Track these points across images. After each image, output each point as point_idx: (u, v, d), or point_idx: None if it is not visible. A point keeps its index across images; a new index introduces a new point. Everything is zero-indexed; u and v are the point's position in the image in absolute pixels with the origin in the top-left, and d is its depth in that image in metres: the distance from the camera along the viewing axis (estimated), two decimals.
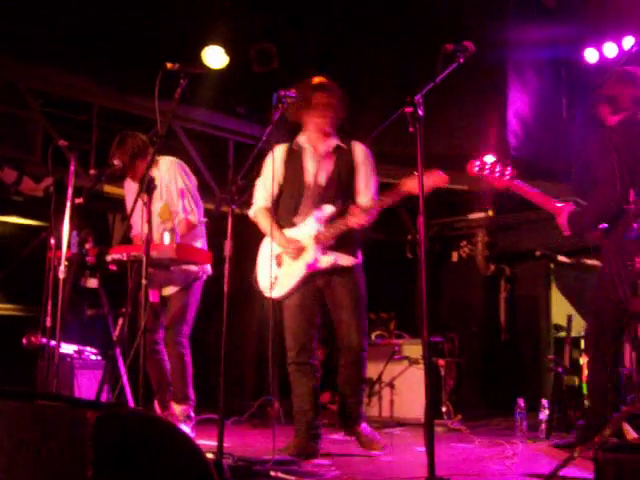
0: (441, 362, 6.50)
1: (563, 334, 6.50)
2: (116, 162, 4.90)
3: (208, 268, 5.11)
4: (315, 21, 7.27)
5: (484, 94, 6.94)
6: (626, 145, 4.17)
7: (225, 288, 3.63)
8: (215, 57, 6.47)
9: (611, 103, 4.41)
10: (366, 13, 7.17)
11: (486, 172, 4.37)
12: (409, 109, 3.27)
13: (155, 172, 4.93)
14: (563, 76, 7.48)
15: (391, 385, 6.55)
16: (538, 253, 6.99)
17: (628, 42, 6.94)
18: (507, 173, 4.35)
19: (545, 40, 7.13)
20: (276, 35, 7.12)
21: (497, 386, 7.58)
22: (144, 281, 3.79)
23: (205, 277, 5.12)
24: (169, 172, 5.04)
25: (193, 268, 5.01)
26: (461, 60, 3.45)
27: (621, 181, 4.03)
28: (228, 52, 6.44)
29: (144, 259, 3.78)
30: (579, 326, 6.64)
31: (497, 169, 4.35)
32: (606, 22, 7.06)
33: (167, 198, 5.02)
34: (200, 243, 5.12)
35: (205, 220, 5.19)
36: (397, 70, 7.03)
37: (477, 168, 4.41)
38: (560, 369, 6.07)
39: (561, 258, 6.77)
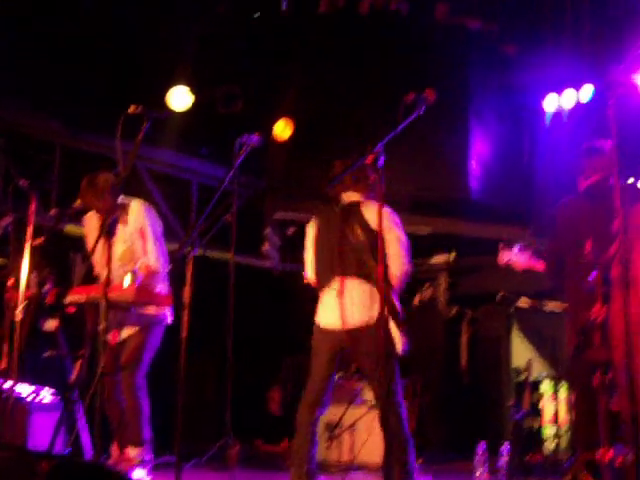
0: None
1: (523, 377, 6.55)
2: (78, 204, 4.86)
3: (168, 313, 5.06)
4: (282, 69, 7.34)
5: (447, 139, 7.05)
6: (592, 210, 4.39)
7: (183, 334, 3.61)
8: (180, 98, 6.49)
9: (582, 174, 4.75)
10: (331, 64, 7.25)
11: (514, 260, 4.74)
12: (369, 159, 3.31)
13: (124, 215, 4.91)
14: (524, 121, 7.63)
15: (351, 429, 6.51)
16: (499, 296, 7.04)
17: (587, 90, 7.12)
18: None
19: (506, 86, 7.28)
20: (242, 78, 7.18)
21: (459, 429, 7.58)
22: (103, 323, 3.76)
23: (165, 322, 5.05)
24: (138, 215, 4.97)
25: (152, 311, 4.95)
26: (422, 110, 3.51)
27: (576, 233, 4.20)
28: (193, 92, 6.48)
29: (103, 301, 3.75)
30: (539, 369, 6.72)
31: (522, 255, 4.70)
32: (566, 69, 7.23)
33: (132, 240, 4.96)
34: (161, 287, 5.07)
35: (169, 266, 5.14)
36: (359, 120, 7.09)
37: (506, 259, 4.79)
38: (519, 413, 6.09)
39: (522, 301, 6.83)
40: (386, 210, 4.30)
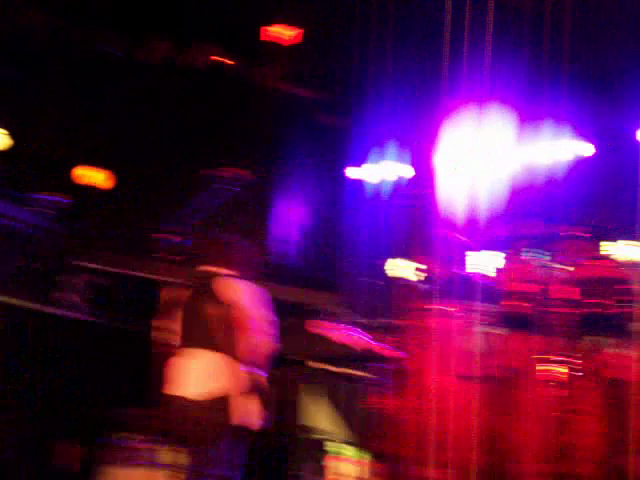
0: None
1: (313, 436, 6.69)
2: None
3: None
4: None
5: (261, 204, 7.20)
6: None
7: None
8: None
9: None
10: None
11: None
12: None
13: None
14: (339, 191, 7.87)
15: None
16: (293, 358, 7.17)
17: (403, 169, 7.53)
18: None
19: (318, 154, 7.53)
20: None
21: None
22: None
23: None
24: None
25: None
26: (237, 188, 3.59)
27: None
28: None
29: None
30: (330, 431, 6.88)
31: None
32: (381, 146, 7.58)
33: None
34: None
35: None
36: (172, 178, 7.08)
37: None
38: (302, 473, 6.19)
39: (312, 364, 7.01)
40: (243, 285, 4.41)
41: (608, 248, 7.48)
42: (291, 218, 7.47)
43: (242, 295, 4.39)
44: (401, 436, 3.81)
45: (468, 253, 7.67)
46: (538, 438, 3.58)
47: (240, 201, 5.96)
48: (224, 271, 4.54)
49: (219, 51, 7.44)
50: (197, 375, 4.43)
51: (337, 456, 6.55)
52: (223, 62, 7.35)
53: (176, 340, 4.64)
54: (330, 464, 6.74)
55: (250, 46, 7.47)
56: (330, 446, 6.78)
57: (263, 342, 4.46)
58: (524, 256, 7.71)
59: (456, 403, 3.98)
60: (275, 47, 7.37)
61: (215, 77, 7.23)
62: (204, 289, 4.50)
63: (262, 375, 4.49)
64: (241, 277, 4.26)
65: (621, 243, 7.47)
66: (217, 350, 4.40)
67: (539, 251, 7.51)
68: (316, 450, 6.74)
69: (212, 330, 4.41)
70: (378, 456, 4.07)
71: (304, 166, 7.61)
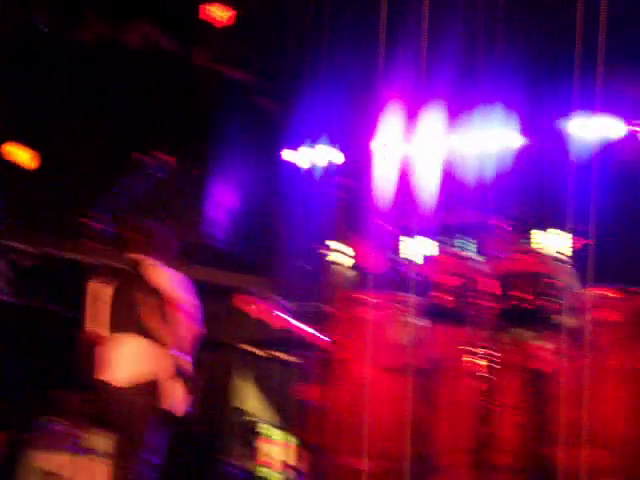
0: None
1: (249, 420, 6.72)
2: None
3: None
4: None
5: (194, 186, 7.13)
6: None
7: None
8: None
9: None
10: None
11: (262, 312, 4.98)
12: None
13: None
14: (274, 173, 7.84)
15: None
16: (225, 342, 7.19)
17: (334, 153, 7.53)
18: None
19: (254, 138, 7.49)
20: None
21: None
22: None
23: None
24: None
25: None
26: (161, 174, 3.56)
27: None
28: None
29: None
30: (262, 414, 6.91)
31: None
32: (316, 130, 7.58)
33: None
34: None
35: None
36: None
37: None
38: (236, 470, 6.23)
39: (247, 348, 7.03)
40: (170, 272, 4.51)
41: (538, 238, 7.65)
42: (225, 201, 7.43)
43: (169, 281, 4.48)
44: (326, 426, 3.84)
45: (401, 240, 7.76)
46: (461, 429, 3.65)
47: (169, 186, 5.92)
48: (150, 258, 4.58)
49: (154, 30, 7.32)
50: (126, 360, 4.50)
51: (269, 439, 6.61)
52: (158, 42, 7.24)
53: (104, 326, 4.66)
54: (261, 447, 6.79)
55: (186, 26, 7.36)
56: (262, 429, 6.83)
57: (189, 327, 4.54)
58: (452, 246, 7.85)
59: (382, 394, 4.03)
60: (211, 28, 7.29)
61: (150, 57, 7.11)
62: (132, 276, 4.54)
63: (188, 360, 4.56)
64: (166, 263, 4.32)
65: (553, 233, 7.64)
66: (145, 336, 4.47)
67: (469, 240, 7.63)
68: (248, 433, 6.77)
69: (140, 316, 4.47)
70: (304, 445, 4.10)
71: (239, 149, 7.57)
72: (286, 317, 5.10)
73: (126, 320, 4.51)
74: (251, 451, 6.70)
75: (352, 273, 7.67)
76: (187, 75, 7.20)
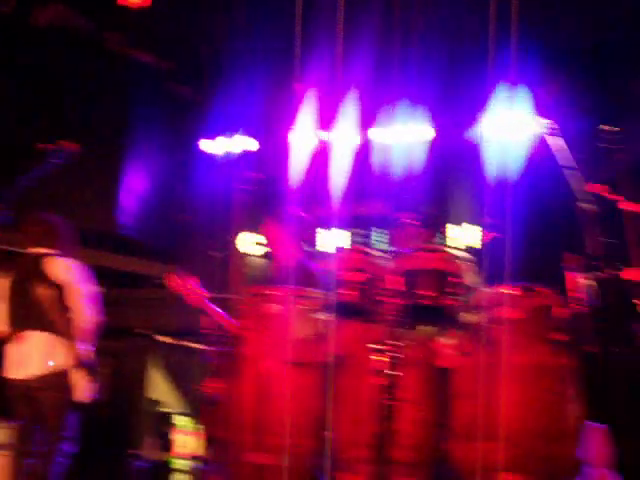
0: None
1: (161, 409, 6.66)
2: None
3: None
4: None
5: (105, 173, 6.99)
6: None
7: None
8: None
9: None
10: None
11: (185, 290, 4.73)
12: None
13: None
14: (185, 162, 7.77)
15: None
16: (138, 331, 7.12)
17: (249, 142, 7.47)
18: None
19: (168, 125, 7.38)
20: None
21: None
22: None
23: None
24: None
25: None
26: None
27: None
28: None
29: None
30: (175, 403, 6.85)
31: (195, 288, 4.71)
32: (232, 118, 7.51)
33: None
34: None
35: None
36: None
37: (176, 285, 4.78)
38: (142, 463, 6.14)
39: (161, 338, 6.96)
40: (70, 263, 4.52)
41: (450, 233, 7.76)
42: (137, 189, 7.32)
43: (70, 274, 4.48)
44: (231, 420, 3.81)
45: (317, 232, 7.78)
46: (363, 424, 3.66)
47: (76, 174, 5.80)
48: (50, 251, 4.51)
49: (67, 10, 7.11)
50: (33, 356, 4.49)
51: (182, 430, 6.55)
52: (70, 23, 7.04)
53: (3, 322, 4.59)
54: (176, 437, 6.73)
55: (100, 8, 7.18)
56: (176, 419, 6.77)
57: (90, 317, 4.56)
58: (366, 239, 7.90)
59: (286, 389, 4.01)
60: (126, 11, 7.13)
61: (60, 39, 6.92)
62: (32, 271, 4.50)
63: (90, 349, 4.55)
64: (66, 255, 4.27)
65: (467, 227, 7.76)
66: (50, 330, 4.48)
67: (383, 234, 7.68)
68: (162, 423, 6.71)
69: (43, 311, 4.47)
70: (210, 438, 4.07)
71: (154, 136, 7.46)
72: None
73: (30, 316, 4.50)
74: (165, 442, 6.65)
75: (263, 263, 7.66)
76: (100, 59, 7.04)
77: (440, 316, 3.84)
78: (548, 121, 6.55)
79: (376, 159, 7.31)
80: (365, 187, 7.33)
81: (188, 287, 4.77)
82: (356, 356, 3.90)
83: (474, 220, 7.68)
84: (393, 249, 4.11)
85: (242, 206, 6.80)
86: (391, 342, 3.61)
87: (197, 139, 7.52)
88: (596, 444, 4.91)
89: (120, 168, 7.19)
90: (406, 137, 7.51)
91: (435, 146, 7.50)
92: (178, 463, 6.65)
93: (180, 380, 7.31)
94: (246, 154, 7.37)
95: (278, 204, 6.54)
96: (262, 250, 7.74)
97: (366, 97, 6.92)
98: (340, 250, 4.23)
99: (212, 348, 4.07)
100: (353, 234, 7.97)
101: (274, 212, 5.21)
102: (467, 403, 3.85)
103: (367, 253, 3.94)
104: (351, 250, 4.00)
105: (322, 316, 4.11)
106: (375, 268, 3.87)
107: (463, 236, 7.75)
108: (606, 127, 4.39)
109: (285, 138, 7.08)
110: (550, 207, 6.05)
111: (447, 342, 3.97)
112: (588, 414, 4.57)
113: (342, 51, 5.79)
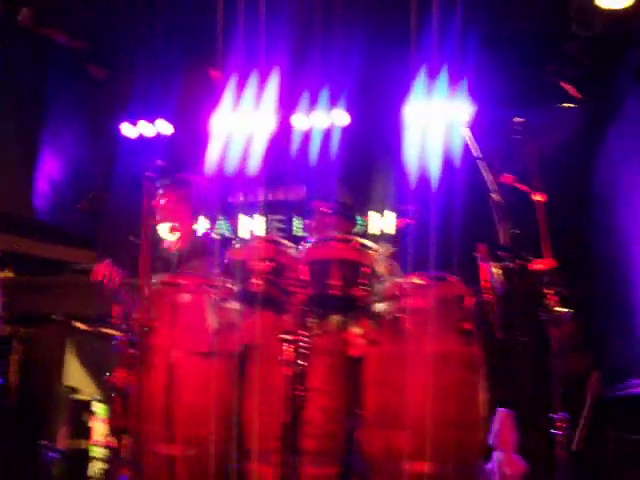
0: None
1: (78, 397, 6.55)
2: None
3: None
4: None
5: (16, 155, 6.79)
6: None
7: None
8: None
9: None
10: None
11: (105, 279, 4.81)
12: None
13: None
14: (101, 145, 7.62)
15: None
16: (54, 317, 6.98)
17: (164, 125, 7.35)
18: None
19: (84, 108, 7.21)
20: None
21: None
22: None
23: None
24: None
25: None
26: None
27: None
28: None
29: None
30: (92, 390, 6.74)
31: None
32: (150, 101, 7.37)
33: None
34: None
35: None
36: None
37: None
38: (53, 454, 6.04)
39: (77, 324, 6.84)
40: None
41: (373, 220, 7.80)
42: (53, 172, 7.14)
43: None
44: (141, 411, 3.75)
45: (223, 218, 7.72)
46: (272, 414, 3.65)
47: None
48: None
49: None
50: None
51: (102, 417, 6.44)
52: None
53: None
54: (95, 425, 6.62)
55: None
56: (95, 407, 6.66)
57: None
58: (282, 227, 7.89)
59: (194, 379, 3.98)
60: None
61: None
62: None
63: None
64: None
65: (389, 215, 7.80)
66: None
67: (302, 221, 7.69)
68: (79, 411, 6.59)
69: None
70: (115, 429, 4.00)
71: (69, 119, 7.28)
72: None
73: None
74: (82, 430, 6.54)
75: (177, 250, 7.58)
76: (12, 38, 6.82)
77: (351, 306, 3.83)
78: (466, 110, 6.65)
79: (296, 144, 7.29)
80: (285, 173, 7.30)
81: (109, 274, 4.69)
82: (266, 346, 3.87)
83: (395, 208, 7.73)
84: (307, 238, 4.08)
85: (150, 192, 6.69)
86: (301, 332, 3.59)
87: (114, 122, 7.37)
88: (504, 429, 5.03)
89: (35, 152, 6.99)
90: (326, 122, 7.49)
91: (356, 132, 7.50)
92: (96, 451, 6.56)
93: (97, 367, 7.20)
94: (161, 138, 7.27)
95: (194, 189, 6.49)
96: (177, 236, 7.65)
97: (286, 82, 6.87)
98: (252, 238, 4.18)
99: (122, 337, 3.97)
100: (273, 221, 7.95)
101: (190, 197, 5.16)
102: (378, 392, 3.87)
103: (278, 242, 3.90)
104: (262, 239, 3.94)
105: (232, 306, 4.08)
106: (286, 257, 3.84)
107: (384, 224, 7.80)
108: (519, 118, 4.43)
109: (203, 123, 7.00)
110: (466, 197, 6.11)
111: (358, 332, 3.97)
112: (496, 401, 4.66)
113: (264, 35, 5.74)
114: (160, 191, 5.05)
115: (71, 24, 7.01)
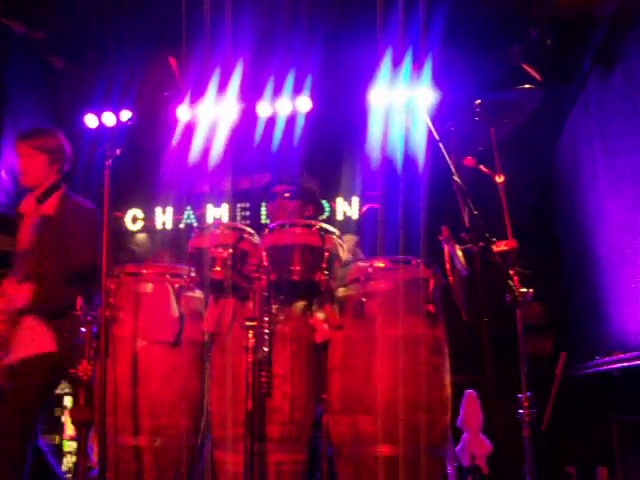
0: None
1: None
2: None
3: None
4: None
5: None
6: None
7: None
8: None
9: None
10: None
11: None
12: None
13: None
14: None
15: None
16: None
17: (125, 115, 7.24)
18: None
19: (46, 99, 7.12)
20: None
21: None
22: None
23: None
24: None
25: None
26: None
27: None
28: None
29: None
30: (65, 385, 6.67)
31: None
32: (112, 92, 7.28)
33: None
34: None
35: None
36: None
37: None
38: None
39: None
40: None
41: (339, 206, 7.79)
42: (11, 164, 7.04)
43: None
44: (106, 403, 3.72)
45: (192, 205, 7.67)
46: (240, 402, 3.63)
47: None
48: None
49: None
50: None
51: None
52: None
53: None
54: (67, 420, 6.57)
55: None
56: (68, 401, 6.60)
57: None
58: (247, 214, 7.86)
59: (157, 369, 3.95)
60: None
61: None
62: None
63: None
64: None
65: (355, 200, 7.80)
66: None
67: (260, 206, 7.64)
68: (52, 406, 6.54)
69: None
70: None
71: (31, 109, 7.19)
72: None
73: None
74: (55, 425, 6.50)
75: (142, 239, 7.54)
76: None
77: (314, 291, 3.81)
78: (429, 94, 6.65)
79: (260, 132, 7.26)
80: (250, 161, 7.26)
81: None
82: (230, 333, 3.86)
83: (360, 193, 7.73)
84: (270, 223, 4.06)
85: (124, 179, 6.66)
86: (265, 318, 3.57)
87: (77, 112, 7.28)
88: (469, 410, 5.06)
89: None
90: (290, 109, 7.47)
91: (321, 118, 7.49)
92: (69, 446, 6.51)
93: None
94: (120, 127, 7.19)
95: (158, 177, 6.43)
96: (140, 225, 7.60)
97: (249, 69, 6.83)
98: (213, 225, 4.15)
99: (85, 329, 3.93)
100: (239, 209, 7.92)
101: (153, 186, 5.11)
102: (343, 376, 3.86)
103: (239, 228, 3.88)
104: (223, 225, 3.91)
105: (196, 294, 4.05)
106: (248, 243, 3.82)
107: (350, 210, 7.81)
108: (479, 101, 4.43)
109: (164, 111, 6.94)
110: (429, 181, 6.12)
111: (322, 317, 3.96)
112: (462, 382, 4.68)
113: (228, 23, 5.70)
114: None
115: (30, 14, 6.91)
